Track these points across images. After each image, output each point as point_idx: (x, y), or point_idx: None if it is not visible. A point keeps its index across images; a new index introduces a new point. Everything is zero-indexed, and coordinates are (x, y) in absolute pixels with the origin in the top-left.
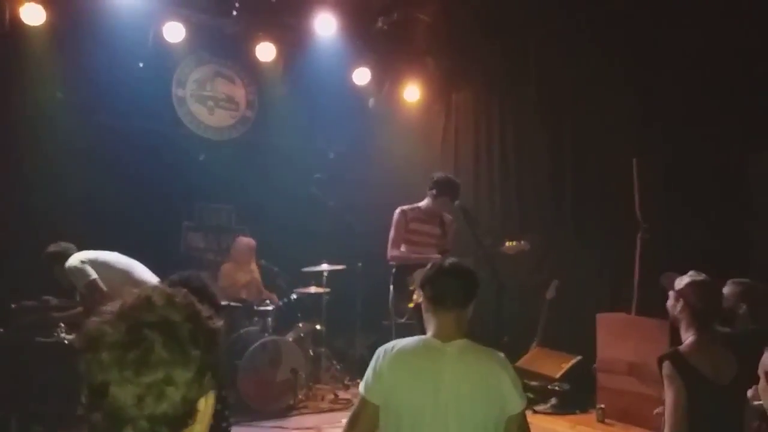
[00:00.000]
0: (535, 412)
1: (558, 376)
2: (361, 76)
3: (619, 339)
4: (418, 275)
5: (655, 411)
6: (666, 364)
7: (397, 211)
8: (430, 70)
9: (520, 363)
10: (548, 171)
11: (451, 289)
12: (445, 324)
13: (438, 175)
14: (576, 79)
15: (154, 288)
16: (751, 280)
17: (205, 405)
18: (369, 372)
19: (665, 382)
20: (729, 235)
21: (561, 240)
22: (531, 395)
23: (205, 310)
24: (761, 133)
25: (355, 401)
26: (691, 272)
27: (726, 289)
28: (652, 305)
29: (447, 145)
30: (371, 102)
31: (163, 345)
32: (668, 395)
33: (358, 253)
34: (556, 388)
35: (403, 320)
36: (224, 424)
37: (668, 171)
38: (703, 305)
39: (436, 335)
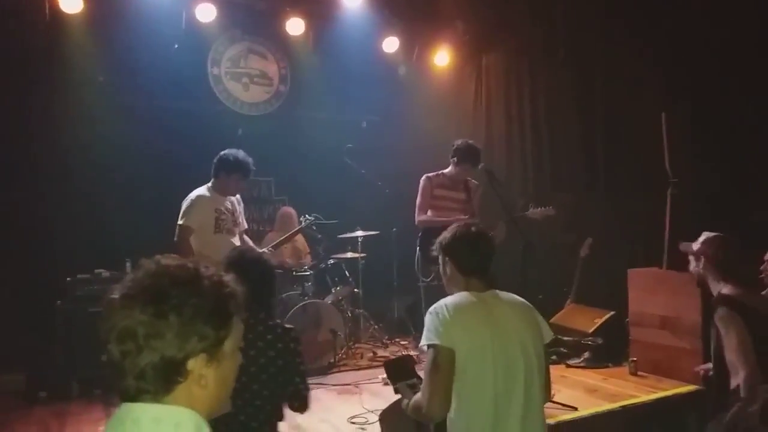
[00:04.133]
0: (568, 365)
1: (591, 331)
2: (390, 44)
3: (651, 294)
4: None
5: (697, 369)
6: (721, 309)
7: (423, 178)
8: (459, 34)
9: (555, 319)
10: (579, 130)
11: (480, 261)
12: (476, 284)
13: (458, 142)
14: (603, 36)
15: (162, 257)
16: None
17: (197, 366)
18: (434, 324)
19: (721, 327)
20: (758, 188)
21: (594, 199)
22: (565, 350)
23: (214, 279)
24: None
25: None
26: (703, 233)
27: None
28: (683, 260)
29: (479, 109)
30: (401, 69)
31: (153, 311)
32: (730, 338)
33: (393, 219)
34: (589, 342)
35: (428, 280)
36: None
37: (697, 124)
38: (723, 255)
39: (471, 290)
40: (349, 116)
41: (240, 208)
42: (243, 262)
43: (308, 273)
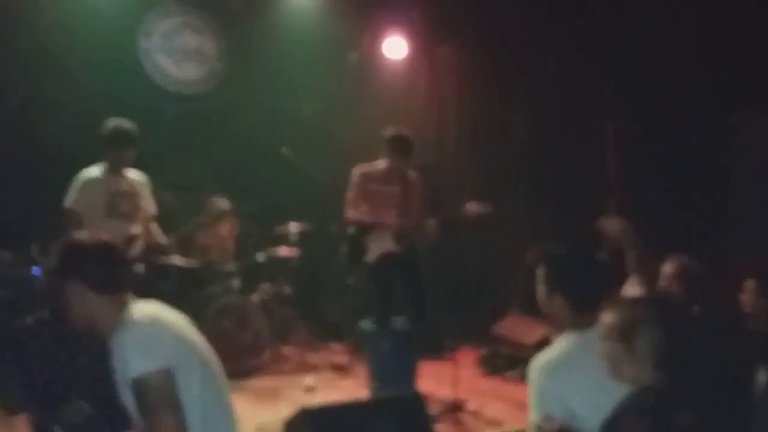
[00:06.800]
0: (503, 378)
1: (531, 343)
2: (342, 28)
3: None
4: (374, 237)
5: None
6: None
7: (355, 171)
8: (414, 24)
9: (497, 329)
10: (528, 133)
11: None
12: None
13: (388, 132)
14: (552, 40)
15: None
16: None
17: None
18: (143, 346)
19: None
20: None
21: (542, 203)
22: (500, 362)
23: None
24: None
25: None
26: None
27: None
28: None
29: (431, 103)
30: (351, 57)
31: None
32: None
33: (334, 215)
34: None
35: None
36: None
37: (641, 135)
38: None
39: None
40: (292, 101)
41: (145, 191)
42: None
43: (233, 269)
